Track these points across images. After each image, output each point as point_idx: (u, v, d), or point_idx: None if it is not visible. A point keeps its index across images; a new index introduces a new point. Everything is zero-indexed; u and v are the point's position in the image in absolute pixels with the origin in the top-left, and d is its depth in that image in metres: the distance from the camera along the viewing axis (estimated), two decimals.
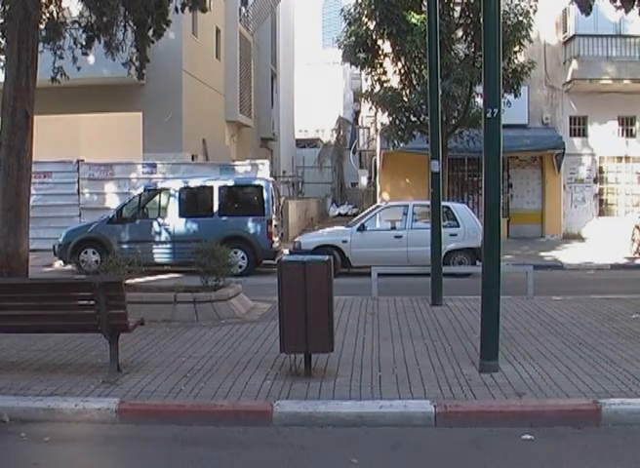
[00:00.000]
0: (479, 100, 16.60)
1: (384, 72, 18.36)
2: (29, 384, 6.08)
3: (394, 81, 18.29)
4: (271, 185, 15.92)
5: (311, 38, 77.00)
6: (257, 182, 15.92)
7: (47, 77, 11.49)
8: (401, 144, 18.69)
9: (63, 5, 11.83)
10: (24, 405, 5.59)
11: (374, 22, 17.25)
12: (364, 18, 17.59)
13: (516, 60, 17.41)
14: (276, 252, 15.45)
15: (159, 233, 15.31)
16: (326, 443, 5.08)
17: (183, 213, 15.36)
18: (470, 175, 22.77)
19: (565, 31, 22.42)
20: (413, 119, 17.87)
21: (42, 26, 10.96)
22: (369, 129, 35.26)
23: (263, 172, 19.23)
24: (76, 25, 11.94)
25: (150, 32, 11.92)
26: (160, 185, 16.11)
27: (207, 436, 5.23)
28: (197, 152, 23.33)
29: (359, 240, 14.63)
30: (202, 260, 9.30)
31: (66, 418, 5.48)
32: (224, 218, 15.21)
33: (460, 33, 17.54)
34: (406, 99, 17.66)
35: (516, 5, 16.98)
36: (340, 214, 40.04)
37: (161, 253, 15.22)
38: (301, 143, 50.94)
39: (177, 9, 12.03)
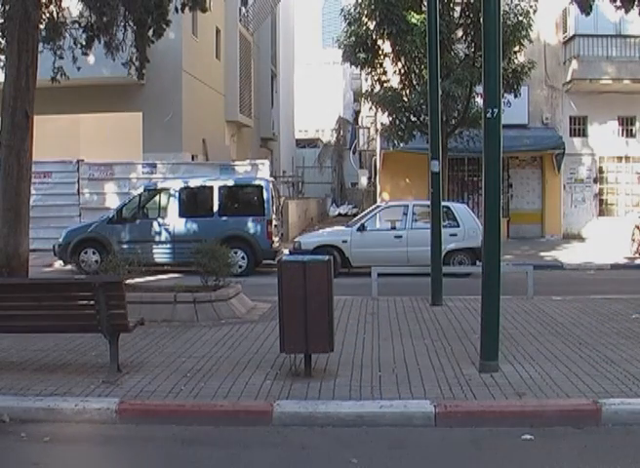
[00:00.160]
0: (479, 100, 16.60)
1: (384, 72, 18.36)
2: (29, 384, 6.08)
3: (394, 81, 18.30)
4: (271, 185, 15.91)
5: (311, 38, 76.95)
6: (257, 182, 15.92)
7: (47, 77, 11.49)
8: (401, 144, 18.69)
9: (63, 5, 11.83)
10: (24, 405, 5.59)
11: (374, 22, 17.25)
12: (364, 18, 17.60)
13: (516, 60, 17.42)
14: (276, 252, 15.45)
15: (159, 233, 15.30)
16: (326, 443, 5.08)
17: (183, 213, 15.35)
18: (470, 175, 22.77)
19: (565, 31, 22.42)
20: (413, 119, 17.87)
21: (42, 26, 10.96)
22: (369, 129, 35.27)
23: (263, 172, 19.23)
24: (76, 25, 11.95)
25: (150, 32, 11.93)
26: (160, 185, 16.11)
27: (207, 436, 5.23)
28: (197, 152, 23.34)
29: (359, 240, 14.63)
30: (202, 260, 9.30)
31: (66, 418, 5.48)
32: (224, 218, 15.21)
33: (460, 33, 17.55)
34: (406, 99, 17.67)
35: (516, 5, 16.98)
36: (339, 214, 40.07)
37: (161, 253, 15.22)
38: (301, 143, 50.96)
39: (176, 9, 12.04)
